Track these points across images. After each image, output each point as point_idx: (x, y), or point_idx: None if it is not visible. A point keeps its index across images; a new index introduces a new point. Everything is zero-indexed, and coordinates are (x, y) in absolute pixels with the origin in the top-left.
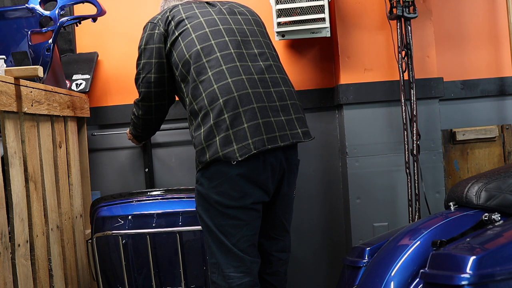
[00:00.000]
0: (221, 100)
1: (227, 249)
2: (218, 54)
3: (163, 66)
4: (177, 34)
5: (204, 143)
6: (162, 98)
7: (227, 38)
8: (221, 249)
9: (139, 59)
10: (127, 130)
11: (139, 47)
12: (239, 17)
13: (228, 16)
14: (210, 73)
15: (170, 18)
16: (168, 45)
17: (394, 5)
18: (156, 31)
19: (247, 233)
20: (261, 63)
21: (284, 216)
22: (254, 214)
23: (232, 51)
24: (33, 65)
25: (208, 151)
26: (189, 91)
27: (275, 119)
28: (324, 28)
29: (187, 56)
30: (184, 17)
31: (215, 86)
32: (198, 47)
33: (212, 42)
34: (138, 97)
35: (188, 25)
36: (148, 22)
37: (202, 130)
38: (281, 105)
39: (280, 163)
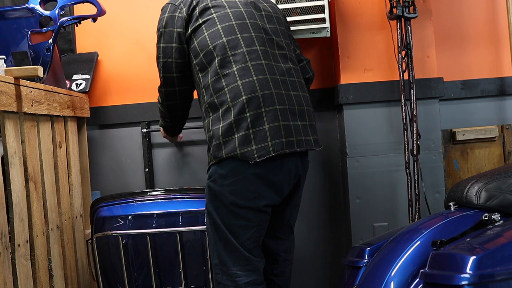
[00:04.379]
0: (244, 98)
1: (234, 248)
2: (244, 49)
3: (184, 51)
4: (201, 21)
5: (221, 138)
6: (186, 83)
7: (253, 34)
8: (228, 248)
9: (158, 42)
10: (160, 128)
11: (158, 29)
12: (263, 13)
13: (253, 11)
14: (234, 68)
15: (194, 3)
16: (189, 31)
17: (394, 5)
18: (177, 14)
19: (255, 234)
20: (282, 64)
21: (291, 217)
22: (264, 216)
23: (258, 48)
24: (33, 65)
25: (224, 147)
26: (208, 83)
27: (293, 123)
28: (324, 28)
29: (210, 46)
30: (210, 5)
31: (239, 82)
32: (224, 39)
33: (239, 36)
34: (159, 83)
35: (214, 15)
36: (169, 3)
37: (221, 125)
38: (299, 109)
39: (296, 168)
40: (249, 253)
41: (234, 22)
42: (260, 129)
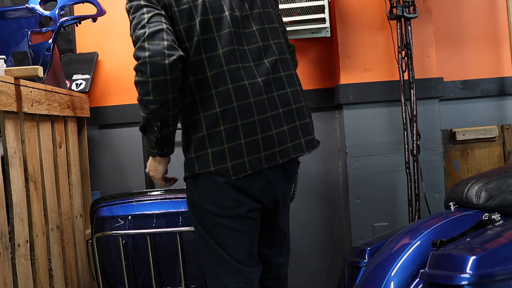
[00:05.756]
0: (218, 110)
1: (224, 259)
2: (221, 51)
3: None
4: (176, 9)
5: (193, 152)
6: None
7: (232, 29)
8: (218, 260)
9: (133, 12)
10: (147, 168)
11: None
12: None
13: None
14: (209, 74)
15: None
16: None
17: (394, 5)
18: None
19: (244, 244)
20: (265, 61)
21: (284, 223)
22: (250, 223)
23: (236, 47)
24: (33, 65)
25: (197, 163)
26: (185, 84)
27: (276, 131)
28: (324, 28)
29: (186, 44)
30: None
31: (213, 91)
32: (200, 37)
33: (215, 34)
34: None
35: (191, 3)
36: None
37: (193, 138)
38: (285, 111)
39: (277, 178)
40: (240, 264)
41: (211, 17)
42: (236, 144)
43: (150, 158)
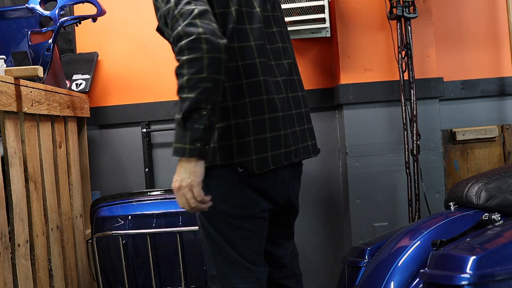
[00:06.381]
0: (247, 100)
1: (234, 260)
2: (253, 43)
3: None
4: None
5: (216, 142)
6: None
7: (262, 25)
8: (228, 260)
9: None
10: (174, 181)
11: None
12: None
13: None
14: (240, 63)
15: None
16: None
17: (394, 5)
18: None
19: (255, 243)
20: (284, 62)
21: (291, 224)
22: (261, 222)
23: (264, 43)
24: (33, 65)
25: (219, 153)
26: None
27: (291, 130)
28: (324, 28)
29: (220, 29)
30: None
31: (243, 81)
32: (235, 25)
33: (247, 26)
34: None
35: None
36: None
37: (217, 126)
38: (297, 113)
39: (289, 177)
40: (251, 264)
41: (244, 9)
42: (262, 138)
43: (181, 163)
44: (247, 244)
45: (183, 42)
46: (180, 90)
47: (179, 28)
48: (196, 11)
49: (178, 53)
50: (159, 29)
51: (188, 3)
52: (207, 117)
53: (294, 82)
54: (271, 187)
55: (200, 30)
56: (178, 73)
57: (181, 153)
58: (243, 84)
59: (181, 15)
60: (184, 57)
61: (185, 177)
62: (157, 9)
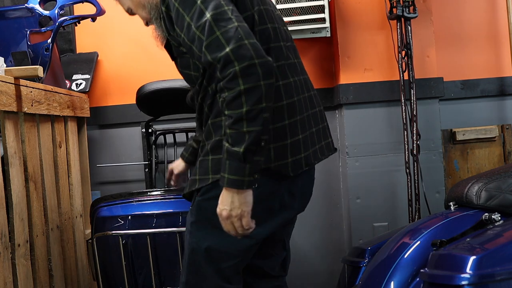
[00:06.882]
0: (285, 102)
1: (206, 274)
2: (282, 43)
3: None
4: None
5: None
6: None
7: (282, 27)
8: (199, 274)
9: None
10: (222, 210)
11: None
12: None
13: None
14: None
15: None
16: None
17: (394, 5)
18: None
19: (239, 263)
20: (295, 61)
21: (287, 234)
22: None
23: (284, 44)
24: (32, 65)
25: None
26: None
27: (316, 128)
28: (324, 28)
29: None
30: None
31: (280, 83)
32: (257, 28)
33: (269, 26)
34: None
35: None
36: None
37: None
38: (317, 111)
39: (310, 180)
40: (225, 282)
41: (262, 7)
42: (296, 140)
43: (231, 193)
44: (231, 261)
45: (237, 68)
46: (238, 122)
47: (227, 50)
48: (241, 30)
49: (229, 80)
50: (168, 45)
51: (229, 20)
52: (266, 146)
53: (308, 81)
54: (302, 189)
55: (253, 54)
56: (232, 103)
57: (238, 186)
58: (280, 86)
59: (225, 34)
60: (241, 87)
61: (235, 207)
62: (175, 20)
